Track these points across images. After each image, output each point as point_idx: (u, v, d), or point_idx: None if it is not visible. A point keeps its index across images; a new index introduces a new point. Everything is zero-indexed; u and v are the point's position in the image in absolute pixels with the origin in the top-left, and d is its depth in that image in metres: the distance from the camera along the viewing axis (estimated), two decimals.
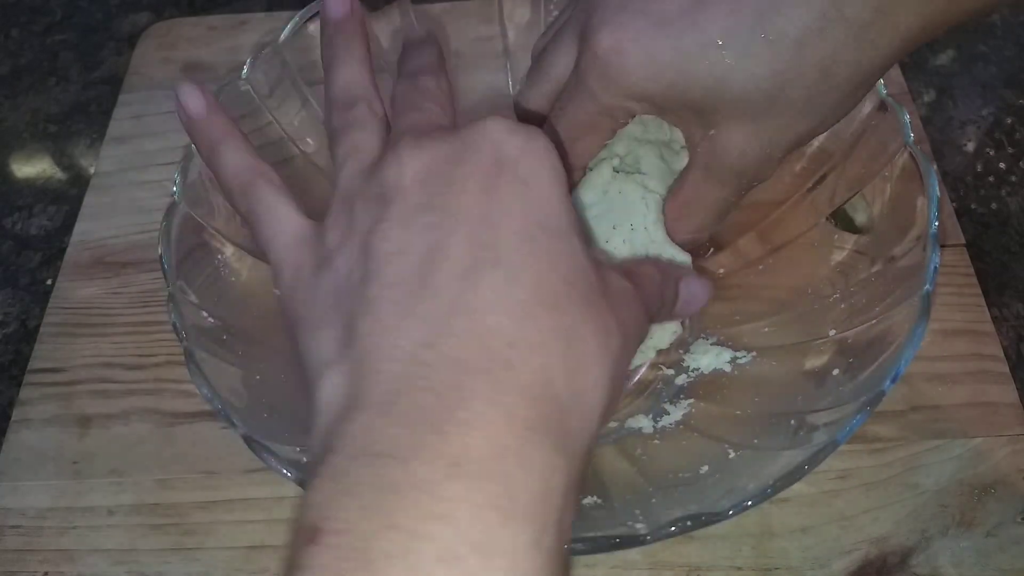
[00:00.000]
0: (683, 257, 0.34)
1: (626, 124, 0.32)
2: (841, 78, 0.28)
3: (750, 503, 0.28)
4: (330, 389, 0.23)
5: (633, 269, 0.28)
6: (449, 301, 0.23)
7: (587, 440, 0.23)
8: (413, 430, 0.21)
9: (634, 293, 0.27)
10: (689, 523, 0.28)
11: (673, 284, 0.31)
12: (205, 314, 0.34)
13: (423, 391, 0.21)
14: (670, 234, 0.34)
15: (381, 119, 0.30)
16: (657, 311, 0.29)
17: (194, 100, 0.31)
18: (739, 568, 0.36)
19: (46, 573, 0.38)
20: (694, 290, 0.31)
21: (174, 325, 0.31)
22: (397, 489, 0.20)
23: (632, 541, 0.28)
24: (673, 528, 0.28)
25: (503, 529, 0.20)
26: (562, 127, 0.32)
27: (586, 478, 0.23)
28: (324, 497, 0.20)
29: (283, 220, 0.28)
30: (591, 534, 0.28)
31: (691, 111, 0.30)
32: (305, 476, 0.28)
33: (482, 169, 0.25)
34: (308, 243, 0.27)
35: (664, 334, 0.38)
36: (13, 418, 0.42)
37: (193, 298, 0.33)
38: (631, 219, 0.34)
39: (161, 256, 0.33)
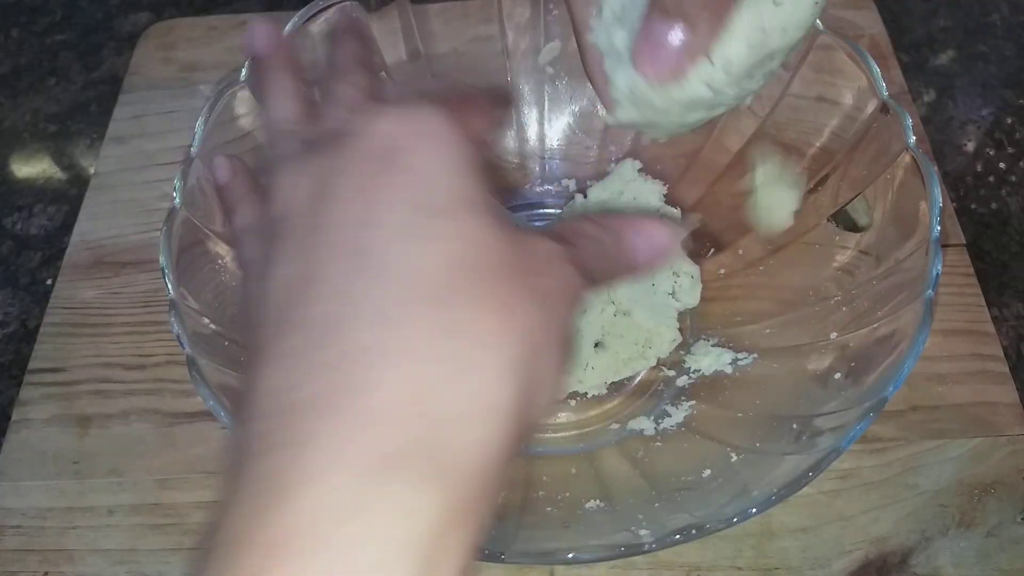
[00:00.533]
0: (690, 268, 0.34)
1: None
2: None
3: (754, 511, 0.28)
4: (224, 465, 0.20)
5: (563, 229, 0.25)
6: (322, 327, 0.20)
7: (480, 452, 0.20)
8: (252, 505, 0.18)
9: (561, 253, 0.24)
10: (694, 532, 0.28)
11: (621, 237, 0.26)
12: (207, 320, 0.34)
13: (278, 449, 0.19)
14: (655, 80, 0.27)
15: None
16: (603, 269, 0.26)
17: (223, 170, 0.32)
18: (739, 568, 0.36)
19: (46, 573, 0.38)
20: (656, 239, 0.26)
21: (177, 335, 0.31)
22: None
23: (637, 550, 0.28)
24: (678, 536, 0.28)
25: None
26: None
27: (506, 487, 0.21)
28: None
29: None
30: (595, 541, 0.28)
31: None
32: None
33: (363, 170, 0.22)
34: None
35: (664, 343, 0.38)
36: (13, 418, 0.42)
37: (194, 304, 0.33)
38: None
39: (163, 265, 0.33)
